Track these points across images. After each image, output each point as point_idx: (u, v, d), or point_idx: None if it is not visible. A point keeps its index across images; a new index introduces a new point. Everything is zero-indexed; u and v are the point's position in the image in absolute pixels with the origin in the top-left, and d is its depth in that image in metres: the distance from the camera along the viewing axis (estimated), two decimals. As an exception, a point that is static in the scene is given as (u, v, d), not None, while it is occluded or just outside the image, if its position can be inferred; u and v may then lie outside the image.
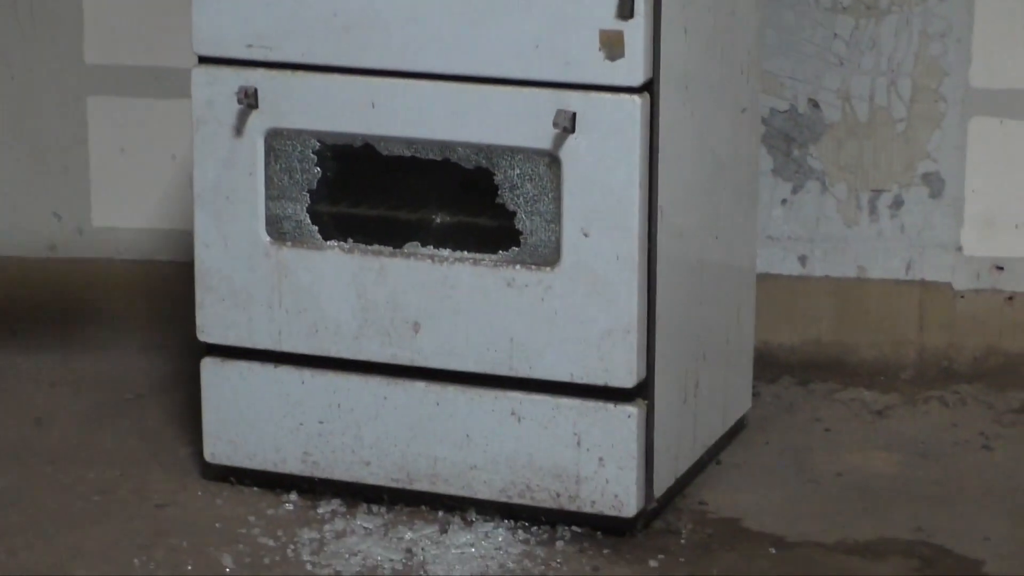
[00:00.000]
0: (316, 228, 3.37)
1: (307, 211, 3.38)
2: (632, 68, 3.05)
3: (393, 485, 3.46)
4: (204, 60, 3.41)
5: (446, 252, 3.29)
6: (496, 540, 3.34)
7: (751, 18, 3.68)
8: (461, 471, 3.37)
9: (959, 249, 4.02)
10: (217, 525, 3.40)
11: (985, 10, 3.94)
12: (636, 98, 3.06)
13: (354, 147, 3.33)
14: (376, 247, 3.35)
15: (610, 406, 3.21)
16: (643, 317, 3.17)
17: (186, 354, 4.08)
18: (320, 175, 3.35)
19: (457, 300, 3.28)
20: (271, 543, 3.30)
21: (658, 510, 3.37)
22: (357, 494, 3.51)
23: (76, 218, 4.83)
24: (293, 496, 3.54)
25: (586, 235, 3.14)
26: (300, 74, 3.33)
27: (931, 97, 3.98)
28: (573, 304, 3.20)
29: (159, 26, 4.56)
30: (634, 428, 3.20)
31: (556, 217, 3.18)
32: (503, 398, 3.30)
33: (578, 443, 3.23)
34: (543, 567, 3.23)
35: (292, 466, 3.53)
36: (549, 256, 3.19)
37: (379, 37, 3.26)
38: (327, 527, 3.40)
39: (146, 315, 4.75)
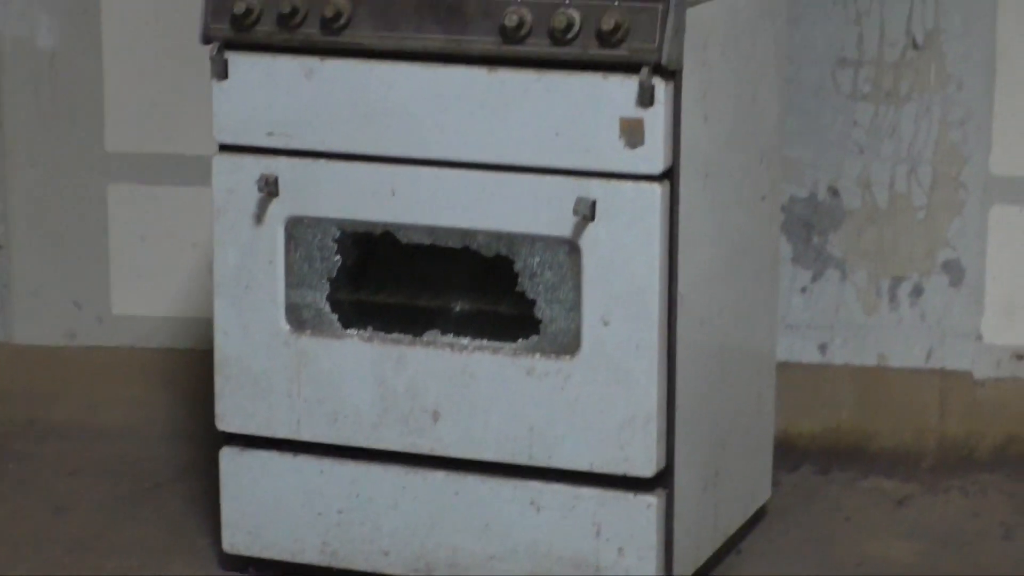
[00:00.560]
0: (336, 316, 3.38)
1: (327, 299, 3.38)
2: (652, 156, 3.06)
3: (413, 575, 3.46)
4: (225, 148, 3.42)
5: (466, 340, 3.30)
6: (516, 631, 3.27)
7: (772, 105, 3.70)
8: (480, 561, 3.35)
9: (979, 337, 4.02)
10: (236, 615, 3.27)
11: (1005, 97, 3.97)
12: (656, 186, 3.07)
13: (374, 235, 3.34)
14: (396, 335, 3.35)
15: (630, 496, 3.20)
16: (663, 406, 3.16)
17: (206, 443, 4.05)
18: (340, 263, 3.35)
19: (476, 389, 3.28)
20: (291, 634, 3.18)
21: (679, 600, 3.32)
22: (376, 584, 3.48)
23: (96, 306, 4.83)
24: (312, 587, 3.48)
25: (606, 323, 3.13)
26: (321, 162, 3.34)
27: (951, 184, 3.99)
28: (593, 393, 3.19)
29: (180, 114, 4.60)
30: (654, 518, 3.19)
31: (576, 305, 3.17)
32: (522, 487, 3.30)
33: (597, 533, 3.22)
34: (565, 658, 3.14)
35: (311, 556, 3.51)
36: (569, 344, 3.19)
37: (400, 125, 3.28)
38: (346, 618, 3.31)
39: (166, 403, 4.72)
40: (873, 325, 4.09)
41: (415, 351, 3.33)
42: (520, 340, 3.24)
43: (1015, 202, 4.00)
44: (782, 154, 3.85)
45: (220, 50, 3.34)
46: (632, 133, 3.05)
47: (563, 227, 3.14)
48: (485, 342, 3.29)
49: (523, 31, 3.11)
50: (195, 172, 4.02)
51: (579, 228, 3.12)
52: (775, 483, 3.84)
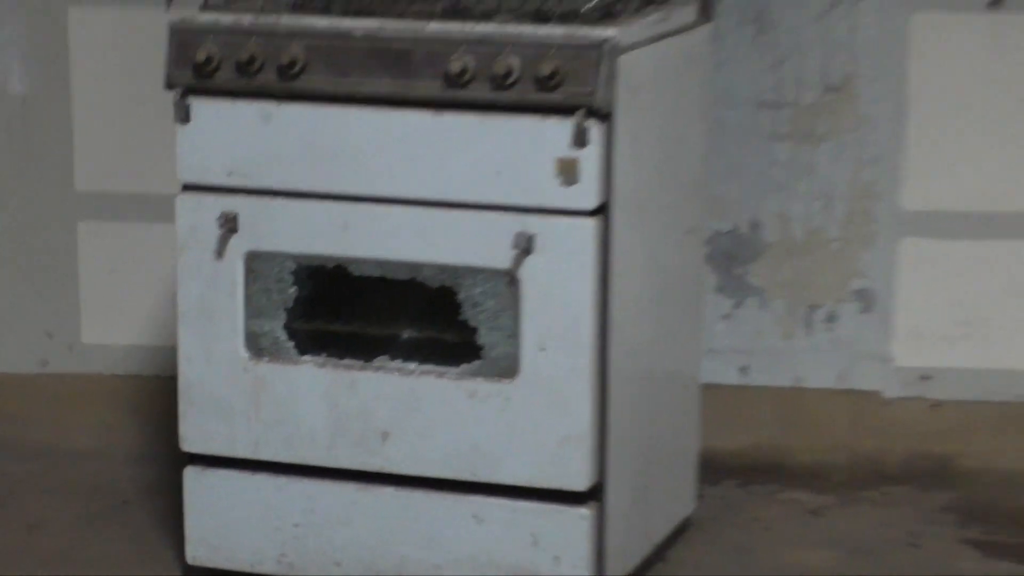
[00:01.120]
0: (292, 344, 3.39)
1: (283, 328, 3.39)
2: (586, 193, 3.09)
3: (364, 585, 3.50)
4: (188, 187, 3.42)
5: (413, 366, 3.32)
6: (458, 637, 3.31)
7: (698, 146, 3.74)
8: (427, 571, 3.38)
9: (889, 360, 4.05)
10: (197, 624, 3.29)
11: (915, 137, 4.00)
12: (590, 221, 3.11)
13: (327, 268, 3.35)
14: (348, 361, 3.36)
15: (565, 508, 3.22)
16: (596, 425, 3.18)
17: (170, 463, 4.02)
18: (296, 294, 3.36)
19: (423, 411, 3.30)
20: (247, 641, 3.22)
21: (610, 606, 3.37)
22: (329, 593, 3.51)
23: (67, 336, 4.83)
24: (269, 597, 3.50)
25: (543, 349, 3.16)
26: (278, 200, 3.35)
27: (864, 219, 4.01)
28: (531, 414, 3.21)
29: (145, 155, 4.58)
30: (587, 529, 3.21)
31: (515, 332, 3.19)
32: (466, 502, 3.31)
33: (535, 543, 3.24)
34: (503, 661, 3.18)
35: (268, 567, 3.51)
36: (509, 369, 3.20)
37: (352, 165, 3.30)
38: (300, 625, 3.33)
39: (133, 427, 4.72)
40: (790, 349, 4.11)
41: (366, 376, 3.34)
42: (463, 365, 3.26)
43: (924, 235, 4.03)
44: (707, 191, 3.88)
45: (183, 96, 3.35)
46: (568, 172, 3.08)
47: (503, 260, 3.15)
48: (431, 367, 3.30)
49: (466, 77, 3.13)
50: (161, 209, 3.97)
51: (518, 261, 3.13)
52: (699, 496, 3.87)
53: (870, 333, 4.07)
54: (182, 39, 3.36)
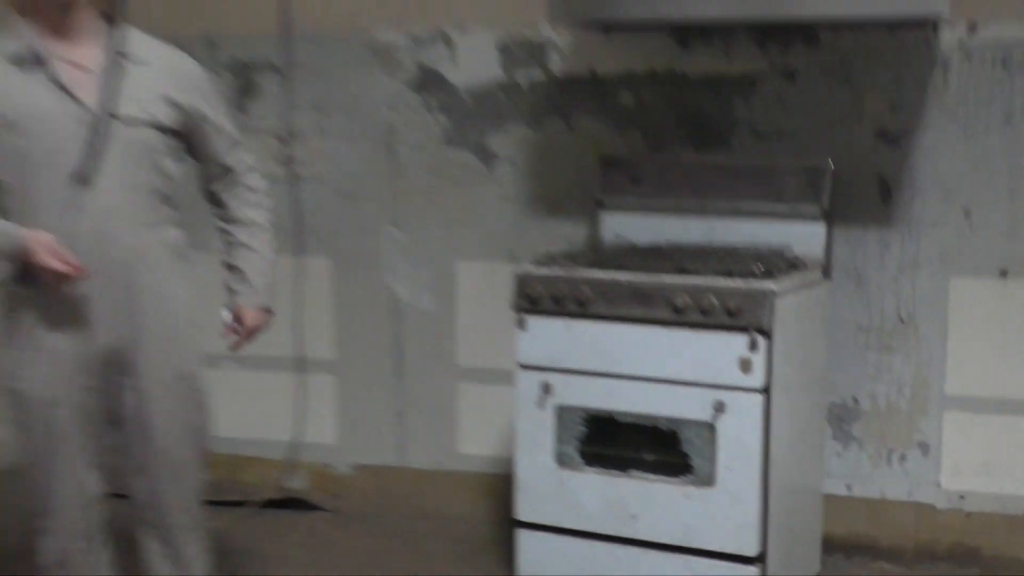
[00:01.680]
0: (582, 460, 3.59)
1: (576, 450, 3.59)
2: (756, 379, 3.32)
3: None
4: (523, 366, 3.65)
5: (652, 476, 3.50)
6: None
7: (822, 352, 3.86)
8: None
9: (939, 485, 4.01)
10: None
11: (952, 353, 3.95)
12: (759, 396, 3.33)
13: (602, 416, 3.55)
14: (613, 471, 3.56)
15: (742, 566, 3.40)
16: (761, 517, 3.38)
17: (507, 525, 4.01)
18: (584, 430, 3.58)
19: (657, 503, 3.50)
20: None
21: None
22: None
23: (449, 447, 4.67)
24: None
25: (730, 470, 3.38)
26: (575, 376, 3.56)
27: (922, 399, 3.98)
28: (722, 509, 3.41)
29: (502, 340, 4.19)
30: None
31: (713, 459, 3.39)
32: (681, 559, 3.49)
33: None
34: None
35: None
36: (708, 480, 3.40)
37: (618, 356, 3.52)
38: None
39: (490, 502, 4.61)
40: (878, 476, 4.07)
41: (623, 481, 3.56)
42: (681, 477, 3.44)
43: (959, 409, 3.96)
44: (827, 379, 3.98)
45: (521, 314, 3.63)
46: (745, 366, 3.33)
47: (706, 416, 3.39)
48: (663, 477, 3.48)
49: (685, 308, 3.37)
50: (508, 378, 3.92)
51: (715, 417, 3.37)
52: (821, 563, 3.94)
53: (927, 469, 4.00)
54: (522, 282, 3.61)
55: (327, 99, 4.48)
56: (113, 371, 2.91)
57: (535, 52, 4.24)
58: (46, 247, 2.66)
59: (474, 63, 4.32)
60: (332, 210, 4.55)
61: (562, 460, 3.60)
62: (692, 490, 3.42)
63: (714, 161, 3.99)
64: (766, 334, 3.28)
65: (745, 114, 4.04)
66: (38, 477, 2.93)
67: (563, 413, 3.59)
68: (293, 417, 4.60)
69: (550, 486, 3.63)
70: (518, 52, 4.26)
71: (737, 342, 3.32)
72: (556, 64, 4.23)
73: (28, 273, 2.73)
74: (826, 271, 3.81)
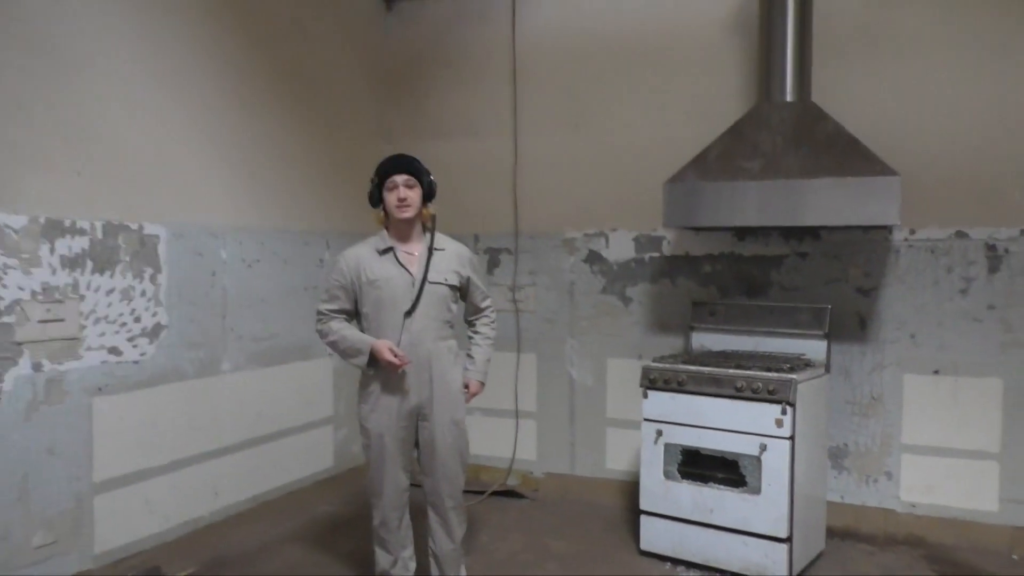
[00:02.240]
0: (680, 475, 3.49)
1: (677, 470, 3.46)
2: (786, 431, 3.23)
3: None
4: (646, 419, 3.49)
5: (723, 487, 3.38)
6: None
7: (825, 416, 3.67)
8: (724, 564, 3.40)
9: (898, 498, 3.80)
10: None
11: (906, 416, 3.74)
12: (787, 441, 3.24)
13: (692, 450, 3.44)
14: (698, 484, 3.43)
15: (779, 544, 3.27)
16: (789, 514, 3.25)
17: (635, 511, 3.75)
18: (682, 459, 3.46)
19: (726, 503, 3.37)
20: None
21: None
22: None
23: (598, 463, 4.41)
24: None
25: (770, 484, 3.26)
26: (675, 427, 3.43)
27: (887, 446, 3.79)
28: (765, 508, 3.28)
29: (632, 406, 4.25)
30: (786, 552, 3.28)
31: (759, 478, 3.27)
32: (739, 538, 3.37)
33: (766, 556, 3.29)
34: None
35: (674, 554, 3.48)
36: (757, 490, 3.29)
37: (699, 415, 3.40)
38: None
39: (624, 494, 4.33)
40: (860, 491, 3.87)
41: (705, 489, 3.42)
42: (740, 488, 3.32)
43: (912, 453, 3.78)
44: (828, 432, 3.82)
45: (645, 388, 3.46)
46: (779, 423, 3.25)
47: (756, 452, 3.28)
48: (728, 488, 3.36)
49: (743, 388, 3.30)
50: (635, 424, 3.83)
51: (761, 452, 3.27)
52: (826, 543, 3.70)
53: (891, 488, 3.81)
54: (646, 370, 3.50)
55: (537, 267, 4.51)
56: (417, 417, 2.94)
57: (655, 242, 4.24)
58: (387, 348, 2.79)
59: (620, 248, 4.33)
60: (538, 328, 4.53)
61: (668, 475, 3.50)
62: (747, 496, 3.31)
63: (758, 304, 3.91)
64: (792, 405, 3.20)
65: (777, 277, 4.00)
66: (374, 475, 2.96)
67: (669, 448, 3.49)
68: (512, 443, 4.60)
69: (660, 490, 3.53)
70: (645, 242, 4.26)
71: (774, 409, 3.25)
72: (666, 248, 4.22)
73: (375, 362, 2.85)
74: (827, 368, 3.70)
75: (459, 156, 4.51)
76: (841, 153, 3.28)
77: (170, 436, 3.36)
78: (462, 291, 3.03)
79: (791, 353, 3.74)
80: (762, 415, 3.27)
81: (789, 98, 3.55)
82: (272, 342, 3.91)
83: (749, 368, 3.35)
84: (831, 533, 3.81)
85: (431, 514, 3.02)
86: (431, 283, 2.85)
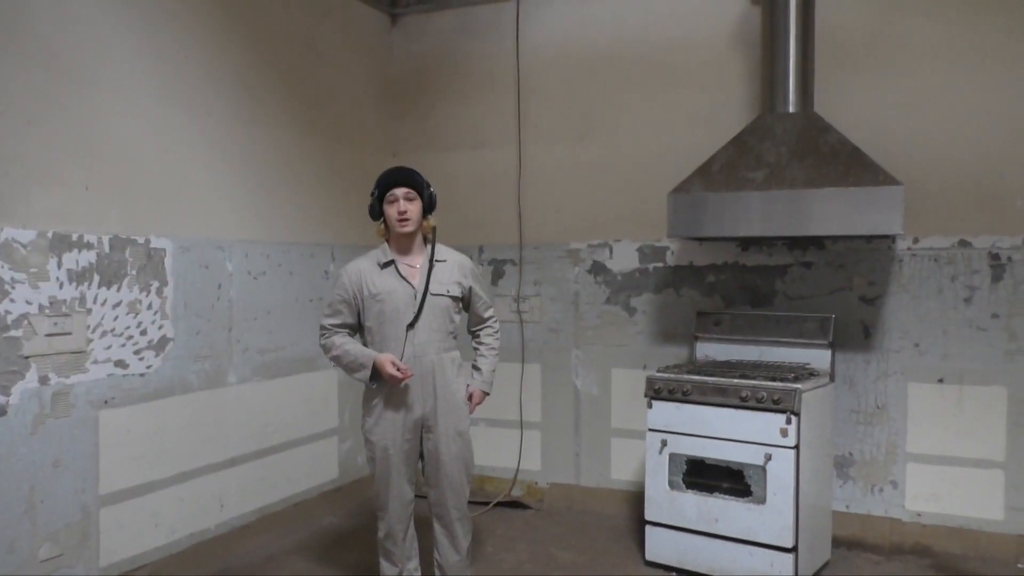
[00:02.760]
0: (684, 484, 3.46)
1: (681, 480, 3.46)
2: (791, 440, 3.21)
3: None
4: (651, 429, 3.46)
5: (728, 496, 3.36)
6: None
7: (829, 424, 3.63)
8: (729, 572, 3.36)
9: (904, 507, 3.78)
10: None
11: (912, 426, 3.74)
12: (792, 451, 3.20)
13: (697, 459, 3.41)
14: (703, 493, 3.42)
15: (783, 554, 3.25)
16: (794, 523, 3.23)
17: (641, 522, 3.74)
18: (686, 467, 3.39)
19: (731, 513, 3.35)
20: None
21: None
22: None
23: (604, 475, 4.41)
24: None
25: (775, 494, 3.24)
26: (679, 436, 3.42)
27: (892, 454, 3.79)
28: (770, 518, 3.26)
29: (636, 417, 4.30)
30: (792, 561, 3.25)
31: (764, 487, 3.26)
32: (744, 548, 3.34)
33: (771, 565, 3.27)
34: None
35: (679, 564, 3.47)
36: (762, 500, 3.27)
37: (704, 425, 3.36)
38: None
39: (631, 504, 4.28)
40: (865, 500, 3.85)
41: (710, 499, 3.41)
42: (746, 498, 3.30)
43: (917, 462, 3.75)
44: (833, 441, 3.76)
45: (649, 398, 3.48)
46: (784, 432, 3.23)
47: (760, 462, 3.26)
48: (733, 498, 3.34)
49: (748, 398, 3.28)
50: (640, 435, 3.80)
51: (766, 462, 3.25)
52: (832, 553, 3.68)
53: (896, 497, 3.78)
54: (650, 381, 3.46)
55: (542, 278, 4.51)
56: (421, 429, 2.95)
57: (659, 252, 4.24)
58: (389, 362, 2.79)
59: (624, 258, 4.33)
60: (542, 339, 4.52)
61: (673, 485, 3.49)
62: (752, 506, 3.29)
63: (763, 314, 3.90)
64: (796, 414, 3.19)
65: (782, 287, 3.98)
66: (379, 488, 2.96)
67: (674, 457, 3.48)
68: (517, 453, 4.59)
69: (665, 500, 3.51)
70: (648, 252, 4.26)
71: (779, 419, 3.24)
72: (671, 258, 4.21)
73: (378, 376, 2.85)
74: (832, 378, 3.69)
75: (464, 168, 4.53)
76: (845, 163, 3.28)
77: (176, 448, 3.36)
78: (464, 302, 3.02)
79: (796, 363, 3.72)
80: (767, 425, 3.23)
81: (792, 109, 3.55)
82: (277, 354, 3.92)
83: (754, 378, 3.32)
84: (837, 543, 3.78)
85: (436, 526, 3.02)
86: (433, 295, 2.85)
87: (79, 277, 2.93)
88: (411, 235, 2.88)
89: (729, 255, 4.05)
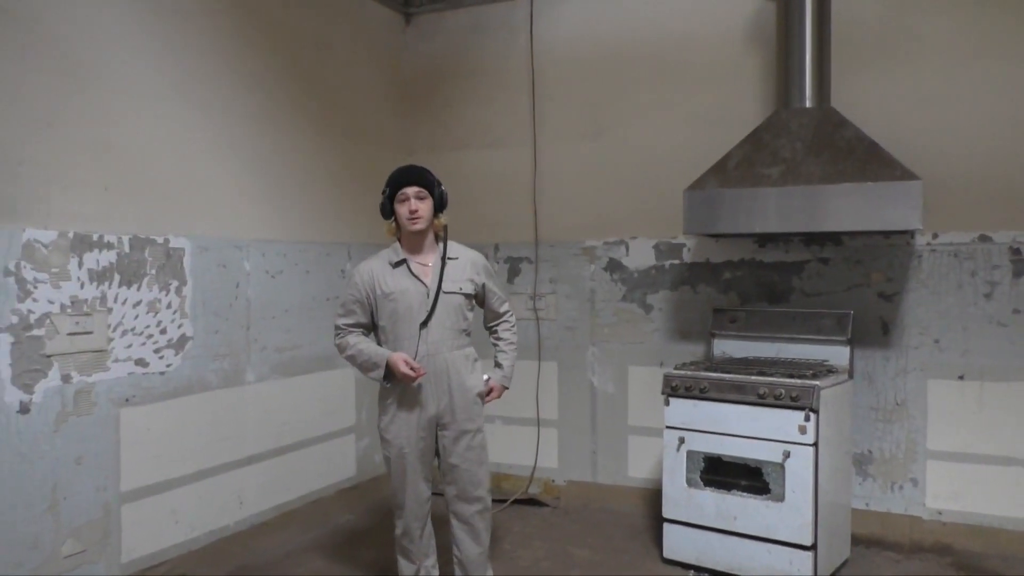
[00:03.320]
0: (702, 482, 3.44)
1: (699, 477, 3.41)
2: (809, 437, 3.19)
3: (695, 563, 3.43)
4: (668, 427, 3.44)
5: (746, 494, 3.35)
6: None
7: (848, 421, 3.64)
8: (747, 571, 3.36)
9: (924, 504, 3.75)
10: None
11: (933, 419, 3.70)
12: (811, 448, 3.20)
13: (714, 456, 3.40)
14: (721, 491, 3.40)
15: (802, 552, 3.23)
16: (813, 520, 3.21)
17: (659, 518, 3.84)
18: (703, 465, 3.44)
19: (749, 511, 3.34)
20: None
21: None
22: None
23: (621, 473, 4.40)
24: None
25: (794, 491, 3.23)
26: (697, 434, 3.42)
27: (912, 452, 3.76)
28: (789, 515, 3.25)
29: (653, 414, 4.32)
30: (811, 559, 3.24)
31: (782, 485, 3.23)
32: (763, 545, 3.33)
33: (790, 563, 3.25)
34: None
35: (698, 562, 3.47)
36: (780, 497, 3.25)
37: (722, 422, 3.33)
38: None
39: (649, 496, 4.28)
40: (885, 498, 3.83)
41: (728, 496, 3.39)
42: (764, 495, 3.29)
43: (938, 459, 3.73)
44: (852, 439, 3.77)
45: (667, 396, 3.45)
46: (802, 429, 3.20)
47: (779, 459, 3.25)
48: (751, 496, 3.33)
49: (765, 395, 3.27)
50: (657, 432, 3.75)
51: (784, 459, 3.23)
52: (851, 551, 3.67)
53: (916, 494, 3.76)
54: (667, 378, 3.45)
55: (558, 276, 4.52)
56: (436, 427, 2.96)
57: (675, 249, 4.23)
58: (402, 361, 2.80)
59: (640, 255, 4.33)
60: (558, 336, 4.53)
61: (690, 482, 3.49)
62: (771, 503, 3.29)
63: (780, 310, 3.88)
64: (815, 411, 3.18)
65: (799, 283, 3.97)
66: (396, 485, 2.98)
67: (691, 455, 3.47)
68: (534, 451, 4.59)
69: (683, 498, 3.51)
70: (665, 249, 4.26)
71: (797, 416, 3.22)
72: (687, 255, 4.21)
73: (392, 375, 2.86)
74: (850, 374, 3.68)
75: (479, 167, 4.54)
76: (862, 158, 3.27)
77: (195, 446, 3.39)
78: (479, 298, 3.04)
79: (814, 359, 3.71)
80: (785, 422, 3.22)
81: (808, 104, 3.53)
82: (295, 352, 3.95)
83: (771, 375, 3.31)
84: (856, 541, 3.77)
85: (454, 522, 3.02)
86: (446, 293, 2.86)
87: (100, 277, 2.97)
88: (422, 233, 2.89)
89: (746, 252, 4.05)
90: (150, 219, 3.15)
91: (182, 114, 3.28)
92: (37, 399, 2.77)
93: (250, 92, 3.63)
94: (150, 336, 3.20)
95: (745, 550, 3.34)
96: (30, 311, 2.72)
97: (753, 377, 3.31)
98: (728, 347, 3.94)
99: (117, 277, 3.04)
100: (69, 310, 2.86)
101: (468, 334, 2.97)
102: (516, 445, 4.58)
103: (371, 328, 2.95)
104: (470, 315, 2.98)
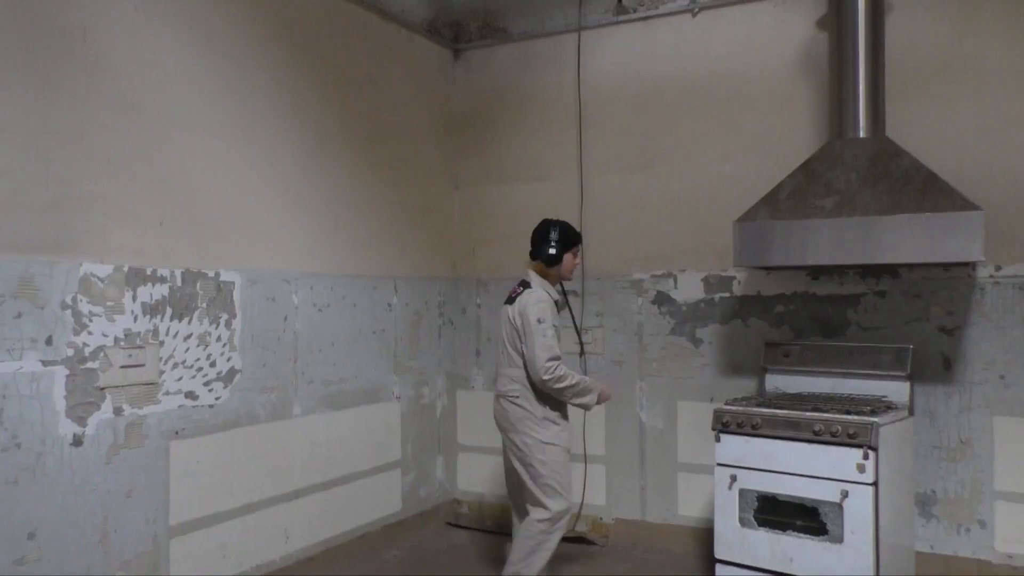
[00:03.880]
0: (756, 522, 3.44)
1: (752, 516, 3.43)
2: (869, 476, 3.16)
3: None
4: (720, 464, 3.45)
5: (802, 535, 3.31)
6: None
7: (910, 459, 3.55)
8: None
9: (993, 547, 3.67)
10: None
11: (1000, 458, 3.65)
12: (870, 488, 3.16)
13: (768, 495, 3.39)
14: (775, 531, 3.38)
15: None
16: (875, 563, 3.17)
17: (709, 561, 3.73)
18: (757, 504, 3.41)
19: (806, 552, 3.30)
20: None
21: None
22: None
23: (670, 509, 4.38)
24: None
25: (853, 533, 3.18)
26: (749, 471, 3.42)
27: (978, 492, 3.69)
28: (849, 558, 3.21)
29: (703, 450, 4.36)
30: None
31: (841, 526, 3.15)
32: None
33: None
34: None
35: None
36: (839, 539, 3.21)
37: (776, 462, 3.32)
38: None
39: (698, 545, 4.28)
40: (950, 541, 3.73)
41: (783, 537, 3.37)
42: (821, 536, 3.25)
43: (1007, 500, 3.63)
44: (914, 478, 3.71)
45: (717, 432, 3.48)
46: (860, 468, 3.17)
47: (836, 499, 3.20)
48: (808, 536, 3.30)
49: (821, 432, 3.24)
50: (707, 469, 3.82)
51: (842, 499, 3.19)
52: None
53: (985, 537, 3.67)
54: (718, 413, 3.44)
55: (605, 309, 4.52)
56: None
57: (725, 282, 4.23)
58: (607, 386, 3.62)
59: (688, 289, 4.32)
60: (605, 371, 4.50)
61: (743, 522, 3.47)
62: (828, 545, 3.24)
63: (835, 344, 3.84)
64: (874, 449, 3.14)
65: (855, 317, 3.93)
66: (566, 474, 3.45)
67: (744, 493, 3.46)
68: (581, 488, 4.56)
69: (736, 538, 3.48)
70: (714, 282, 4.25)
71: (855, 454, 3.19)
72: (737, 288, 4.20)
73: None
74: (911, 411, 3.65)
75: (526, 199, 4.58)
76: (919, 188, 3.24)
77: (243, 479, 3.42)
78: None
79: (871, 395, 3.66)
80: (842, 460, 3.18)
81: (862, 134, 3.51)
82: (341, 386, 3.97)
83: (827, 411, 3.28)
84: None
85: (515, 514, 3.65)
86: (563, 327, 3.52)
87: (152, 310, 3.01)
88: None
89: (798, 284, 4.02)
90: (202, 253, 3.20)
91: (235, 150, 3.35)
92: (90, 432, 2.81)
93: (302, 127, 3.71)
94: (200, 369, 3.24)
95: (799, 596, 3.29)
96: (85, 344, 2.77)
97: (808, 413, 3.27)
98: (781, 382, 3.90)
99: (169, 310, 3.09)
100: (122, 343, 2.91)
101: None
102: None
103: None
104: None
